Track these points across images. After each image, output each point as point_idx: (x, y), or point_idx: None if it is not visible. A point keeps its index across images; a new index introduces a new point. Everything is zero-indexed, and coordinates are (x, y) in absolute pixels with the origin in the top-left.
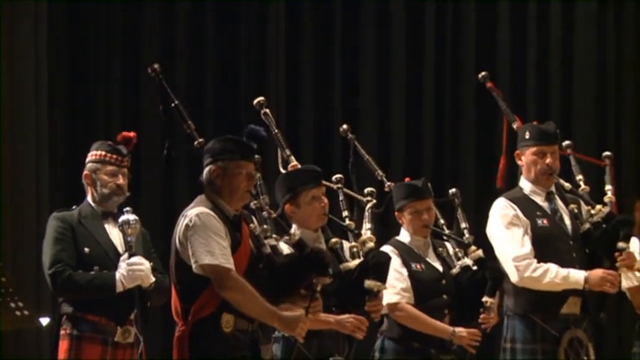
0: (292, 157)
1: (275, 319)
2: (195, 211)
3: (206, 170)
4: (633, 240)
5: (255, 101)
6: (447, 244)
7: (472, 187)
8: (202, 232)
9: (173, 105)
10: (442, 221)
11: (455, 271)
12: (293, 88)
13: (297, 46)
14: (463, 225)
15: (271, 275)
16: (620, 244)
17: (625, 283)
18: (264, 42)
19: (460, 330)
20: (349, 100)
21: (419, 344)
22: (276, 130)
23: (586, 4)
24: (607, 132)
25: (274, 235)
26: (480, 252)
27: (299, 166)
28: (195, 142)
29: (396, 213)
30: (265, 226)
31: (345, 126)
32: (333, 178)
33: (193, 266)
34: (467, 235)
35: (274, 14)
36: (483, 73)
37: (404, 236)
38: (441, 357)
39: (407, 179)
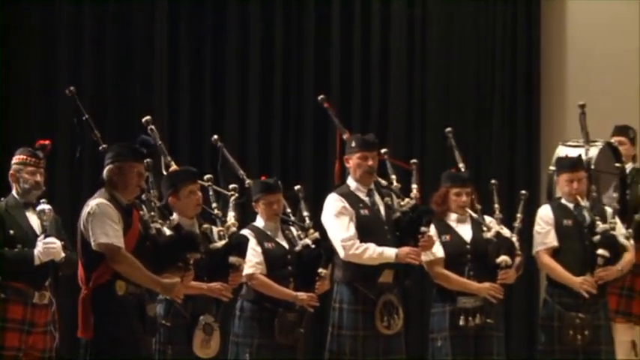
0: (172, 162)
1: (157, 285)
2: (95, 202)
3: (106, 169)
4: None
5: (143, 120)
6: (292, 228)
7: (311, 184)
8: (100, 217)
9: (84, 118)
10: (289, 210)
11: (298, 248)
12: (174, 105)
13: (176, 73)
14: (305, 213)
15: (155, 251)
16: (423, 229)
17: (424, 258)
18: (150, 70)
19: (301, 294)
20: (217, 116)
21: (270, 305)
22: (160, 142)
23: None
24: (414, 141)
25: (159, 220)
26: (317, 234)
27: (176, 167)
28: (100, 148)
29: (253, 204)
30: (152, 213)
31: (215, 136)
32: (205, 177)
33: (93, 244)
34: (307, 222)
35: (158, 47)
36: (322, 96)
37: (259, 222)
38: (286, 314)
39: (262, 177)
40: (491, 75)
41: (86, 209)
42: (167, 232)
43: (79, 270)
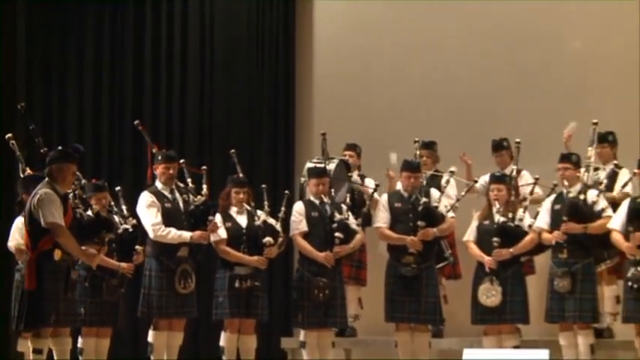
0: (28, 168)
1: (83, 254)
2: (43, 190)
3: (49, 167)
4: (218, 215)
5: (6, 136)
6: (115, 217)
7: (130, 184)
8: (47, 203)
9: (31, 128)
10: (113, 203)
11: (120, 231)
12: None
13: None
14: (124, 207)
15: (80, 229)
16: (210, 218)
17: (213, 238)
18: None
19: (123, 264)
20: (63, 131)
21: (99, 272)
22: (18, 153)
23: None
24: (205, 152)
25: (81, 207)
26: (134, 221)
27: (31, 172)
28: (42, 150)
29: (88, 199)
30: (76, 201)
31: (60, 147)
32: None
33: (42, 222)
34: (125, 212)
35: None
36: (137, 121)
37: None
38: (111, 279)
39: (94, 180)
40: (260, 97)
41: (36, 196)
42: (85, 216)
43: (24, 239)
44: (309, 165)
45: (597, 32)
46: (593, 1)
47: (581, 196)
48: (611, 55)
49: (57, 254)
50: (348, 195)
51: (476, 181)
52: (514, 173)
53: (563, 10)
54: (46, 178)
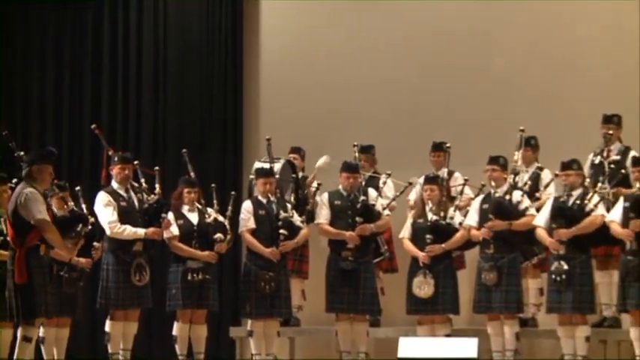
0: None
1: (64, 248)
2: (28, 190)
3: (28, 169)
4: (170, 213)
5: None
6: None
7: (88, 185)
8: (34, 201)
9: (4, 133)
10: (72, 204)
11: (79, 229)
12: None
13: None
14: (83, 206)
15: (57, 224)
16: (163, 215)
17: (166, 235)
18: None
19: (82, 259)
20: (26, 137)
21: (60, 265)
22: None
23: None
24: (158, 154)
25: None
26: (92, 219)
27: None
28: (16, 154)
29: (50, 199)
30: (48, 200)
31: (22, 152)
32: (13, 181)
33: (31, 219)
34: (85, 210)
35: None
36: (94, 125)
37: (57, 211)
38: (71, 272)
39: (55, 180)
40: (210, 103)
41: (21, 195)
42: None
43: (10, 236)
44: (257, 165)
45: (528, 37)
46: (526, 3)
47: (507, 196)
48: (539, 60)
49: (42, 249)
50: (292, 194)
51: (410, 184)
52: (446, 175)
53: (496, 13)
54: (24, 179)
